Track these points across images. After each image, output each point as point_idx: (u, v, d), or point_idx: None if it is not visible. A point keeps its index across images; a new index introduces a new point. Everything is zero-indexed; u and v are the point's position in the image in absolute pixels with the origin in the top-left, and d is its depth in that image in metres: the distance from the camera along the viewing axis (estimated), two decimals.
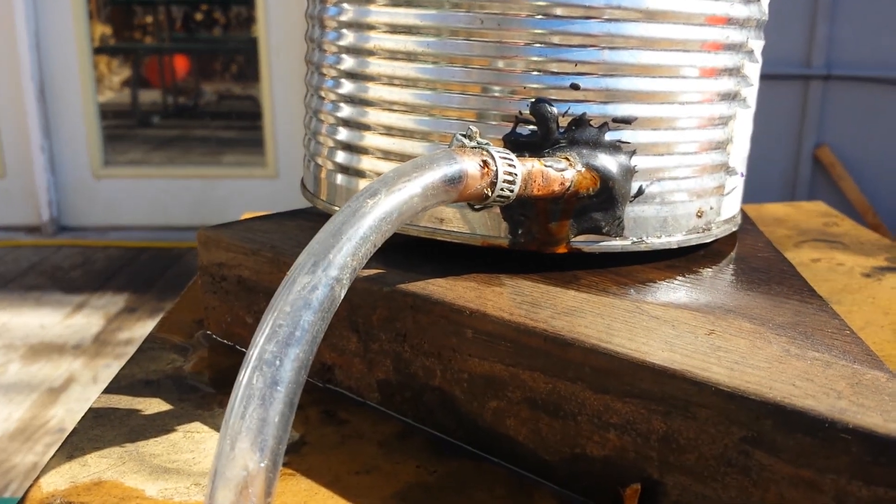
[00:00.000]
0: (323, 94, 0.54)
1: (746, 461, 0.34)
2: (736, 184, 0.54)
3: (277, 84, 2.97)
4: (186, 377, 0.53)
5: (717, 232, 0.53)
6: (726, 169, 0.52)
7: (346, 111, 0.52)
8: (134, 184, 3.14)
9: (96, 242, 2.94)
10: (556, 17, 0.45)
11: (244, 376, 0.29)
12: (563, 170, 0.45)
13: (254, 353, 0.30)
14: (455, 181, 0.39)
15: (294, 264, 0.32)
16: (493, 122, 0.47)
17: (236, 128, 3.87)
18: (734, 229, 0.55)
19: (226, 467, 0.28)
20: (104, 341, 2.14)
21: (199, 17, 4.25)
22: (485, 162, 0.41)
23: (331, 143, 0.54)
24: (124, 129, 3.89)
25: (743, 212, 0.61)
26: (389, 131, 0.50)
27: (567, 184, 0.45)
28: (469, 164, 0.40)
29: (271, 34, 2.94)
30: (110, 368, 1.97)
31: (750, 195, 0.73)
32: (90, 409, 0.49)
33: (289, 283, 0.32)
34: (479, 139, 0.42)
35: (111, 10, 4.03)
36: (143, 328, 2.19)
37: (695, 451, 0.36)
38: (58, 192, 3.08)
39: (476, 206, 0.43)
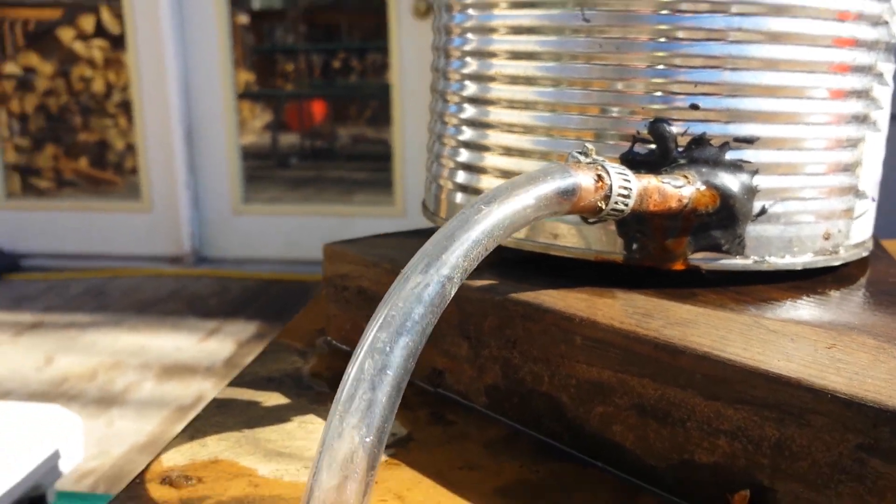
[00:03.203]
0: (446, 118, 0.56)
1: (861, 469, 0.33)
2: (867, 208, 0.52)
3: (409, 127, 3.06)
4: (305, 377, 0.55)
5: (846, 255, 0.51)
6: (855, 192, 0.51)
7: (467, 134, 0.54)
8: (270, 220, 3.28)
9: (233, 273, 3.08)
10: (678, 39, 0.45)
11: (357, 361, 0.31)
12: (680, 187, 0.45)
13: (366, 341, 0.31)
14: (569, 193, 0.40)
15: (409, 263, 0.34)
16: (611, 142, 0.47)
17: (368, 169, 3.99)
18: (865, 254, 0.53)
19: (333, 440, 0.30)
20: (234, 364, 2.22)
21: (336, 64, 4.43)
22: (599, 176, 0.41)
23: (451, 165, 0.56)
24: (264, 170, 4.07)
25: (877, 241, 0.59)
26: (508, 152, 0.51)
27: (685, 201, 0.45)
28: (583, 178, 0.41)
29: (404, 80, 3.03)
30: None
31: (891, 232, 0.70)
32: (214, 399, 0.51)
33: (403, 279, 0.33)
34: (594, 156, 0.43)
35: (255, 59, 4.25)
36: None
37: (808, 458, 0.35)
38: (200, 226, 3.25)
39: (590, 220, 0.44)
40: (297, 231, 3.24)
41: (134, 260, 3.21)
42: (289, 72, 4.53)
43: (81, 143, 3.51)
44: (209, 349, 2.34)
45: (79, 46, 3.38)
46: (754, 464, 0.37)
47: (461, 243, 0.34)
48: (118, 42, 3.30)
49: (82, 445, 1.07)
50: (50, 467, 1.00)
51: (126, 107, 3.33)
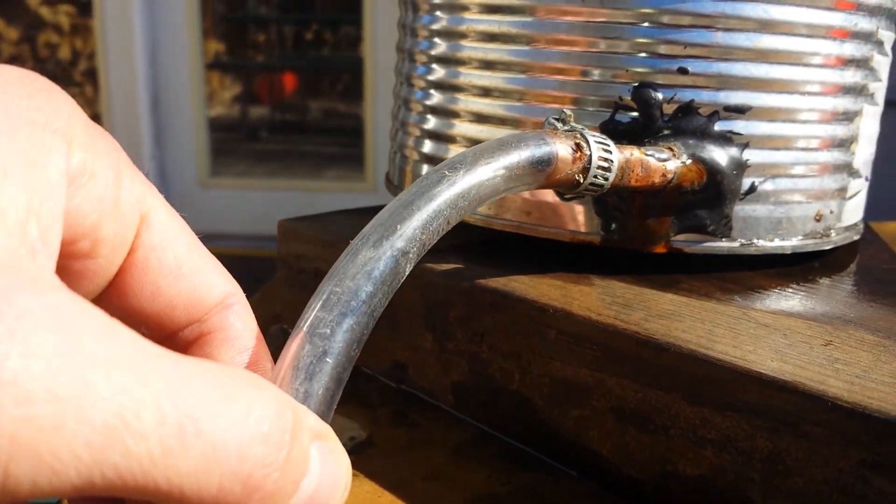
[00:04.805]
0: (413, 81, 0.52)
1: (864, 488, 0.29)
2: (860, 188, 0.49)
3: (381, 102, 3.00)
4: None
5: (837, 239, 0.48)
6: (849, 170, 0.47)
7: (435, 98, 0.49)
8: (238, 194, 3.21)
9: None
10: None
11: (292, 346, 0.27)
12: (665, 160, 0.41)
13: (306, 322, 0.27)
14: (543, 164, 0.36)
15: (360, 234, 0.30)
16: (591, 108, 0.43)
17: (339, 144, 3.91)
18: (856, 238, 0.50)
19: None
20: None
21: (309, 36, 4.34)
22: (578, 145, 0.37)
23: (417, 133, 0.51)
24: (232, 143, 3.98)
25: (867, 224, 0.56)
26: (479, 119, 0.47)
27: (669, 175, 0.41)
28: (560, 147, 0.36)
29: (377, 54, 2.97)
30: None
31: (878, 215, 0.67)
32: None
33: (351, 252, 0.29)
34: (573, 123, 0.39)
35: (226, 28, 4.15)
36: None
37: (804, 474, 0.31)
38: (166, 199, 3.18)
39: (566, 195, 0.40)
40: (266, 206, 3.17)
41: None
42: (260, 42, 4.43)
43: None
44: None
45: (45, 11, 3.28)
46: (744, 479, 0.33)
47: (420, 213, 0.30)
48: (85, 8, 3.20)
49: None
50: None
51: (92, 75, 3.23)
